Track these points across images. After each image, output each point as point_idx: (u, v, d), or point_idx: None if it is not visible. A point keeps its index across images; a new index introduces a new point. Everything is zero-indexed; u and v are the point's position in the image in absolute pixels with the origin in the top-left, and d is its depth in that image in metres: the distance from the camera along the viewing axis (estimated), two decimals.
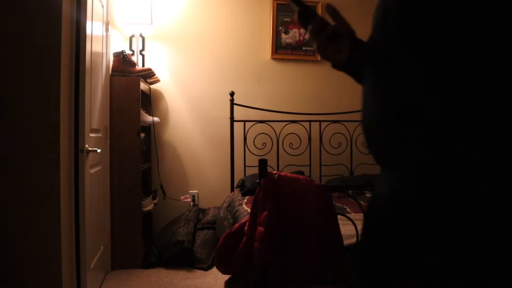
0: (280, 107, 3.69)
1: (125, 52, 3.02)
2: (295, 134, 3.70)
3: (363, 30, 3.89)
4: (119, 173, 2.90)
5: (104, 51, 2.76)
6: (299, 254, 1.67)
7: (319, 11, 3.80)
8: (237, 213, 2.70)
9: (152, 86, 3.48)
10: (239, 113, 3.56)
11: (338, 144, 3.77)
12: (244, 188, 3.18)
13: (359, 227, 1.80)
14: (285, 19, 3.79)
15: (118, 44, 3.24)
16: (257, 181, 1.78)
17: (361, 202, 2.20)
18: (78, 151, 2.01)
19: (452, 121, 0.71)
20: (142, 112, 3.10)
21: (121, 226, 2.90)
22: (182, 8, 3.65)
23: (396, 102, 0.78)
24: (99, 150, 2.28)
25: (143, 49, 3.46)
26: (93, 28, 2.32)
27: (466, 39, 0.73)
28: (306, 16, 0.92)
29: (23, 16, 1.78)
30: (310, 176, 3.59)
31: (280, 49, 3.79)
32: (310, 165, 3.72)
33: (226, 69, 3.68)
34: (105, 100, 2.77)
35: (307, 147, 3.72)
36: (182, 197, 3.48)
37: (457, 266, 0.77)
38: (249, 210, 2.14)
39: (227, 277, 1.94)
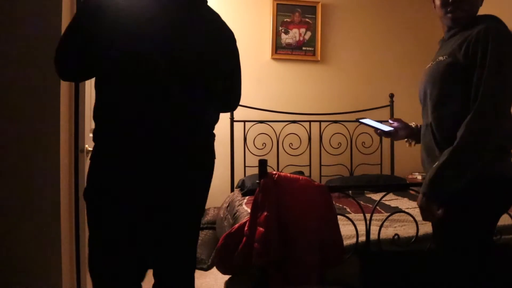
0: (280, 107, 3.68)
1: None
2: (295, 134, 3.70)
3: (362, 29, 3.89)
4: None
5: None
6: (299, 255, 1.66)
7: (319, 11, 3.79)
8: (237, 213, 2.70)
9: None
10: (239, 113, 3.55)
11: (338, 144, 3.77)
12: (244, 188, 3.18)
13: (359, 227, 1.80)
14: (285, 19, 3.78)
15: None
16: (257, 181, 1.78)
17: (361, 202, 2.20)
18: (78, 151, 2.01)
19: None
20: None
21: None
22: None
23: None
24: None
25: None
26: None
27: None
28: None
29: (23, 16, 1.78)
30: (310, 176, 3.59)
31: (280, 49, 3.79)
32: (310, 165, 3.72)
33: None
34: None
35: (307, 147, 3.72)
36: None
37: None
38: (249, 210, 2.14)
39: (227, 277, 1.94)
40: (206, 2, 1.49)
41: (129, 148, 1.28)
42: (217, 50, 1.45)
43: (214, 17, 1.49)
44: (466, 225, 1.35)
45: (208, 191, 1.52)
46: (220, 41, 1.48)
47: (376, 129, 1.70)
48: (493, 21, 1.37)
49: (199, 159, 1.48)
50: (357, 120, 1.76)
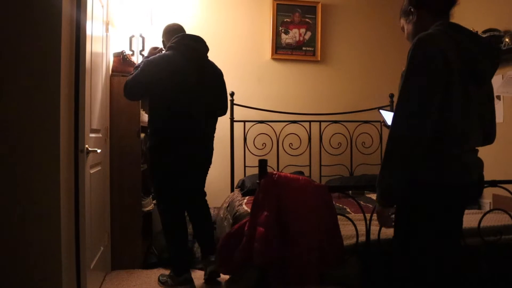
0: (280, 107, 3.69)
1: (125, 52, 3.02)
2: (295, 134, 3.70)
3: (362, 29, 3.90)
4: (119, 173, 2.90)
5: (104, 51, 2.76)
6: (299, 255, 1.66)
7: (319, 11, 3.80)
8: (237, 213, 2.70)
9: None
10: (239, 113, 3.56)
11: (338, 144, 3.77)
12: (244, 188, 3.18)
13: (359, 227, 1.80)
14: (285, 19, 3.78)
15: (118, 44, 3.24)
16: (257, 181, 1.78)
17: (361, 202, 2.20)
18: (78, 151, 2.01)
19: None
20: (142, 112, 3.10)
21: (121, 226, 2.89)
22: (182, 8, 3.65)
23: None
24: (99, 150, 2.27)
25: (143, 49, 3.46)
26: (93, 28, 2.32)
27: None
28: None
29: (23, 16, 1.78)
30: (310, 176, 3.59)
31: (280, 49, 3.79)
32: (310, 165, 3.72)
33: (226, 69, 3.64)
34: (105, 100, 2.77)
35: (307, 147, 3.72)
36: None
37: None
38: (249, 210, 2.14)
39: (227, 277, 1.94)
40: (207, 57, 2.70)
41: (184, 144, 2.53)
42: (218, 89, 2.74)
43: (213, 65, 2.73)
44: (408, 228, 1.41)
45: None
46: (218, 83, 2.74)
47: (384, 120, 1.82)
48: (432, 28, 1.43)
49: (211, 146, 2.77)
50: (378, 109, 2.03)
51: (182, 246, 2.63)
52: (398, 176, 1.33)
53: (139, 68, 2.47)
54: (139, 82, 2.44)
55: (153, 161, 2.57)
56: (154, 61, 2.48)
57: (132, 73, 2.51)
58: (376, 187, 1.39)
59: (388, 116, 1.83)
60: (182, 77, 2.49)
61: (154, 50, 2.71)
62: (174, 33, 2.63)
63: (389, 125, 1.77)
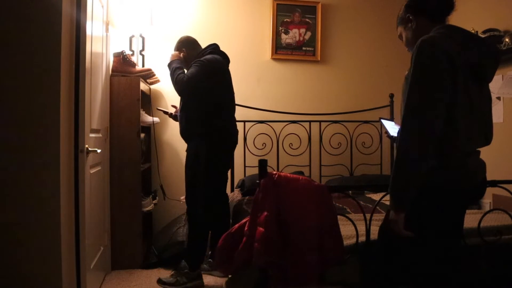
0: (280, 107, 3.68)
1: (125, 52, 3.02)
2: (295, 134, 3.70)
3: (362, 29, 3.91)
4: (119, 173, 2.90)
5: (104, 51, 2.76)
6: (299, 255, 1.66)
7: (319, 11, 3.80)
8: (237, 213, 2.70)
9: (152, 87, 3.47)
10: (239, 113, 3.55)
11: (338, 144, 3.77)
12: (244, 188, 3.18)
13: (359, 227, 1.80)
14: (285, 19, 3.78)
15: (118, 44, 3.24)
16: (257, 181, 1.78)
17: (361, 202, 2.20)
18: (78, 151, 2.01)
19: None
20: (142, 113, 3.10)
21: (121, 226, 2.89)
22: (182, 8, 3.65)
23: None
24: (99, 151, 2.27)
25: (143, 49, 3.46)
26: (93, 28, 2.32)
27: None
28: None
29: (23, 16, 1.78)
30: (310, 176, 3.59)
31: (280, 49, 3.79)
32: (310, 165, 3.71)
33: None
34: (105, 100, 2.77)
35: (307, 147, 3.72)
36: (182, 197, 3.46)
37: None
38: (249, 210, 2.14)
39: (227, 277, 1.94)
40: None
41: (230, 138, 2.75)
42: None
43: None
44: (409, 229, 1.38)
45: None
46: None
47: (386, 131, 1.81)
48: (432, 31, 1.44)
49: None
50: (379, 119, 1.98)
51: (206, 244, 2.70)
52: (411, 180, 1.32)
53: (197, 67, 2.55)
54: (199, 79, 2.53)
55: (211, 161, 2.58)
56: (212, 62, 2.61)
57: (180, 73, 2.60)
58: (389, 193, 1.38)
59: (389, 126, 1.83)
60: (229, 80, 2.77)
61: (179, 54, 2.77)
62: (196, 43, 2.82)
63: (391, 136, 1.77)
